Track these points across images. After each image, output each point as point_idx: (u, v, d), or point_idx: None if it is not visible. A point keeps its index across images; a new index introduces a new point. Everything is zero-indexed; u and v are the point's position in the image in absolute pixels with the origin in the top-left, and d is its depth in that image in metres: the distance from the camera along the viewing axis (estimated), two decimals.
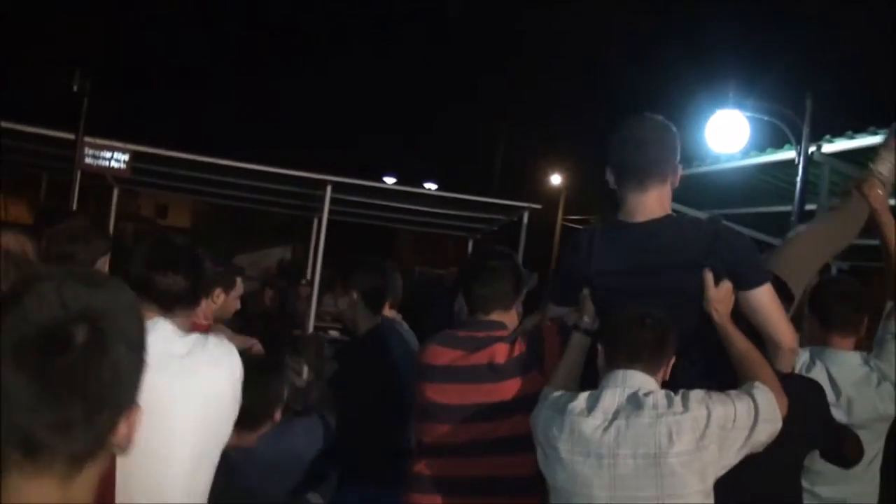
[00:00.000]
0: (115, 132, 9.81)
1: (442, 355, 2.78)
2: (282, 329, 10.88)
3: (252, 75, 21.50)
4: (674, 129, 2.42)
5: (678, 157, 2.43)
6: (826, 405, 2.58)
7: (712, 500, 2.10)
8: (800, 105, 5.03)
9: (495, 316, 2.83)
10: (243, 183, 10.49)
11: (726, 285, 2.30)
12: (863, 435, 2.74)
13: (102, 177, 9.97)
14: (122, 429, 1.06)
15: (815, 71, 11.78)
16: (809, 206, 5.30)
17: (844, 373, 2.95)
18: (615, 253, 2.39)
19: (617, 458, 2.05)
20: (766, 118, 5.12)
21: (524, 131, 21.40)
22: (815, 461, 2.70)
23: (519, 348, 2.69)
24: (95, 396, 1.01)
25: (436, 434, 2.73)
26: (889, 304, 3.10)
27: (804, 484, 2.62)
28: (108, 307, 1.04)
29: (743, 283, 2.32)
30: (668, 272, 2.33)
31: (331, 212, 11.90)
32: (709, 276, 2.29)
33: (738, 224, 8.78)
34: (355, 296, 3.55)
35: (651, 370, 2.18)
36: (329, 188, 10.10)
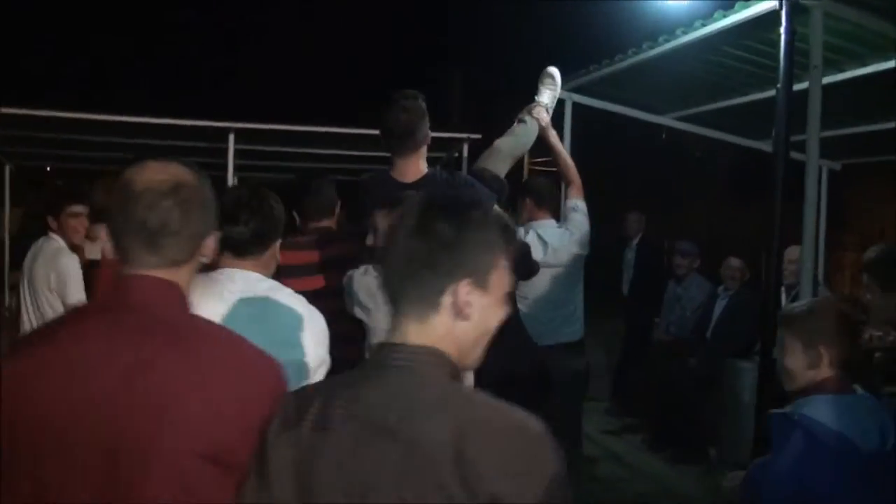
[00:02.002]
0: None
1: (295, 257, 3.51)
2: None
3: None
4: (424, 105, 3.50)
5: (428, 126, 3.51)
6: (525, 248, 4.07)
7: None
8: None
9: (325, 223, 3.82)
10: (132, 142, 8.92)
11: None
12: (567, 270, 4.63)
13: None
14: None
15: None
16: (799, 86, 3.85)
17: (549, 233, 4.58)
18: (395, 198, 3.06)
19: None
20: None
21: (481, 71, 19.76)
22: (529, 289, 4.47)
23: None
24: (455, 261, 1.46)
25: None
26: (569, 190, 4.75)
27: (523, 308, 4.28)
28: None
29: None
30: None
31: (241, 167, 10.41)
32: None
33: (710, 128, 7.34)
34: None
35: None
36: (232, 137, 8.54)
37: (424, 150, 3.53)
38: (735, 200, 12.92)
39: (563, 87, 6.48)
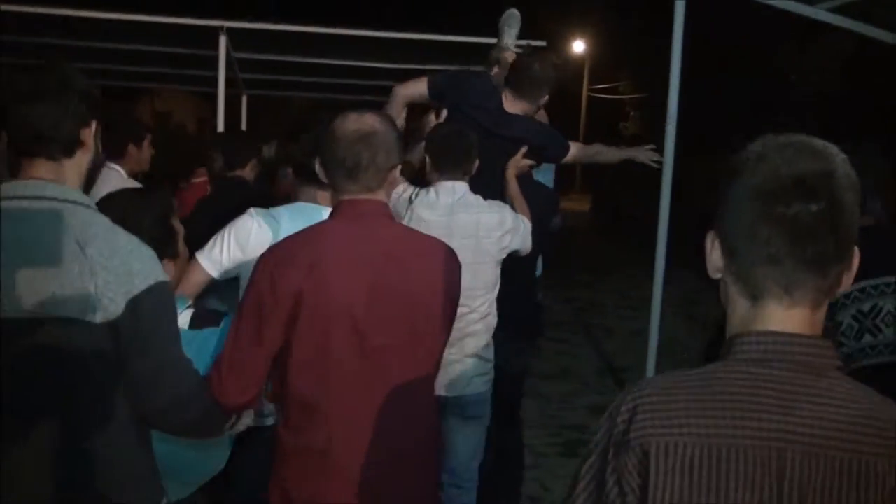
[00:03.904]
0: None
1: None
2: None
3: None
4: (543, 69, 3.84)
5: (545, 89, 3.85)
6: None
7: (500, 267, 3.40)
8: None
9: None
10: (99, 47, 7.03)
11: (527, 161, 3.84)
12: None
13: None
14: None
15: None
16: None
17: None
18: (486, 114, 3.75)
19: (452, 238, 2.78)
20: None
21: None
22: None
23: None
24: (843, 236, 1.18)
25: None
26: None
27: None
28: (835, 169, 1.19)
29: (552, 158, 4.18)
30: (505, 137, 3.76)
31: (243, 82, 8.49)
32: (523, 149, 3.77)
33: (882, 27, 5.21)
34: None
35: (465, 178, 3.34)
36: (224, 41, 6.59)
37: (538, 108, 3.96)
38: None
39: None
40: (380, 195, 2.18)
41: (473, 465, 3.43)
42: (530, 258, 3.82)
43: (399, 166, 2.24)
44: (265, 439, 2.33)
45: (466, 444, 3.39)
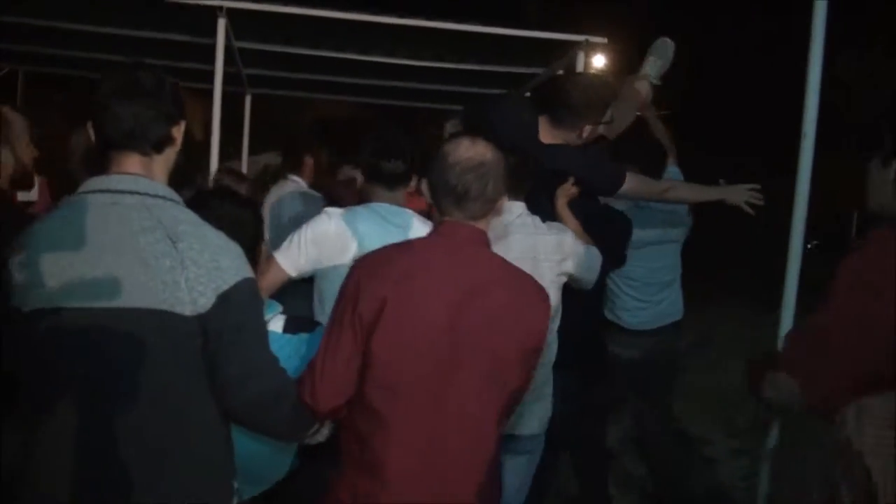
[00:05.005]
0: None
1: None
2: None
3: None
4: (586, 97, 3.56)
5: (588, 120, 3.59)
6: (627, 225, 3.84)
7: (560, 290, 3.17)
8: None
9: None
10: (76, 28, 5.77)
11: (573, 189, 3.46)
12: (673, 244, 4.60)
13: None
14: None
15: None
16: None
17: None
18: (531, 142, 3.43)
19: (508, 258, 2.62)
20: None
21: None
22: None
23: None
24: None
25: None
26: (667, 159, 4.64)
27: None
28: None
29: (597, 192, 3.68)
30: (554, 172, 3.46)
31: (247, 80, 7.23)
32: (570, 181, 3.45)
33: None
34: None
35: (521, 197, 3.17)
36: (223, 24, 5.31)
37: (572, 137, 3.63)
38: None
39: None
40: (482, 224, 2.20)
41: (519, 497, 3.27)
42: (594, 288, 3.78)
43: (505, 197, 2.26)
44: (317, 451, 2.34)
45: (513, 477, 3.17)
